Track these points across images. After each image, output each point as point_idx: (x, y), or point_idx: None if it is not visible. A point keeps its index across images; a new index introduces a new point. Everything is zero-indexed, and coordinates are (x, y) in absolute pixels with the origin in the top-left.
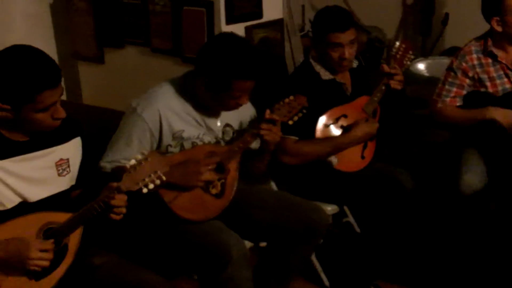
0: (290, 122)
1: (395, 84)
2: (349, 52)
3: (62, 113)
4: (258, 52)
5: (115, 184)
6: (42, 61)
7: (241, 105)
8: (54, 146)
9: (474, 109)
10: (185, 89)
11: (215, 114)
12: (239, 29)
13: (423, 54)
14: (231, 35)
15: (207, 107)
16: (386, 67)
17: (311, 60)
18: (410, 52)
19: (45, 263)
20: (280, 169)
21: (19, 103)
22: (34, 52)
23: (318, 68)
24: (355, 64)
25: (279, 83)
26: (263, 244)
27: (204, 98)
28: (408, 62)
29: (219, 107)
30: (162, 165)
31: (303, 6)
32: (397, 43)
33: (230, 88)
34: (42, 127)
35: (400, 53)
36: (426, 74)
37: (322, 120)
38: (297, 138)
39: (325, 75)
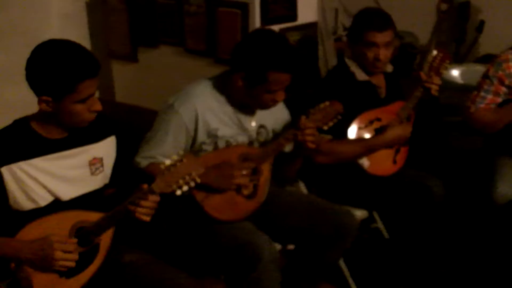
0: (325, 128)
1: (433, 92)
2: (384, 53)
3: (98, 106)
4: (293, 47)
5: (146, 186)
6: (81, 51)
7: (277, 101)
8: (88, 144)
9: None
10: (221, 88)
11: (250, 114)
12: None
13: (457, 60)
14: (267, 30)
15: (243, 105)
16: (423, 75)
17: (347, 60)
18: (447, 61)
19: (70, 264)
20: (311, 171)
21: (61, 93)
22: (72, 44)
23: (353, 68)
24: (390, 68)
25: (314, 86)
26: (290, 246)
27: (241, 95)
28: (444, 71)
29: (255, 104)
30: (197, 167)
31: (336, 10)
32: (435, 52)
33: (266, 80)
34: (79, 120)
35: (437, 61)
36: (460, 81)
37: (356, 122)
38: (330, 137)
39: (361, 76)
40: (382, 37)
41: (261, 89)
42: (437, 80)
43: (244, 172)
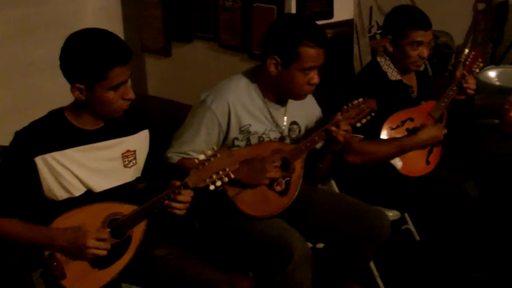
0: (358, 125)
1: (469, 91)
2: (427, 51)
3: (131, 94)
4: (319, 25)
5: (178, 183)
6: (112, 39)
7: (313, 84)
8: (122, 137)
9: None
10: (253, 82)
11: (282, 110)
12: None
13: (493, 62)
14: (292, 13)
15: (277, 99)
16: (458, 73)
17: (379, 59)
18: (480, 60)
19: (102, 252)
20: (343, 170)
21: (92, 80)
22: (104, 32)
23: (385, 67)
24: (422, 67)
25: (347, 83)
26: (320, 245)
27: (275, 84)
28: (477, 70)
29: (291, 90)
30: (232, 162)
31: (371, 8)
32: (466, 50)
33: (298, 56)
34: (112, 109)
35: (469, 60)
36: (496, 83)
37: (388, 122)
38: (362, 136)
39: (393, 75)
40: (427, 36)
41: (295, 69)
42: (471, 79)
43: (276, 163)
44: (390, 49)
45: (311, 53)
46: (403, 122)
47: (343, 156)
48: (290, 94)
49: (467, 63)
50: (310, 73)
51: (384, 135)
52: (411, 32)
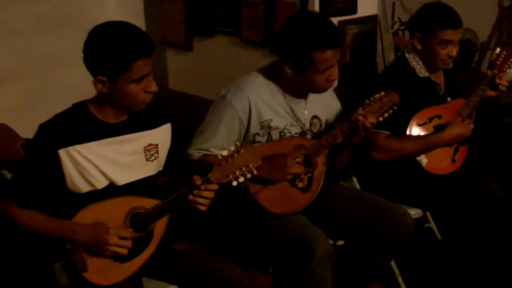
0: (380, 119)
1: (501, 87)
2: (456, 50)
3: (154, 87)
4: (330, 22)
5: (199, 179)
6: (135, 31)
7: (332, 80)
8: (145, 130)
9: None
10: (273, 77)
11: (303, 104)
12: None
13: None
14: (302, 12)
15: (297, 94)
16: (490, 72)
17: (407, 55)
18: (511, 60)
19: (123, 250)
20: (365, 167)
21: (115, 72)
22: (126, 24)
23: (414, 64)
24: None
25: (372, 80)
26: (340, 242)
27: (294, 83)
28: (508, 70)
29: (311, 89)
30: (255, 159)
31: (393, 4)
32: (498, 49)
33: (312, 61)
34: (135, 102)
35: (500, 59)
36: None
37: (415, 118)
38: (388, 133)
39: (421, 72)
40: (456, 35)
41: (311, 72)
42: (504, 76)
43: (298, 159)
44: (419, 47)
45: (326, 56)
46: (431, 119)
47: (368, 153)
48: (309, 91)
49: (498, 62)
50: (327, 72)
51: (411, 131)
52: (441, 31)
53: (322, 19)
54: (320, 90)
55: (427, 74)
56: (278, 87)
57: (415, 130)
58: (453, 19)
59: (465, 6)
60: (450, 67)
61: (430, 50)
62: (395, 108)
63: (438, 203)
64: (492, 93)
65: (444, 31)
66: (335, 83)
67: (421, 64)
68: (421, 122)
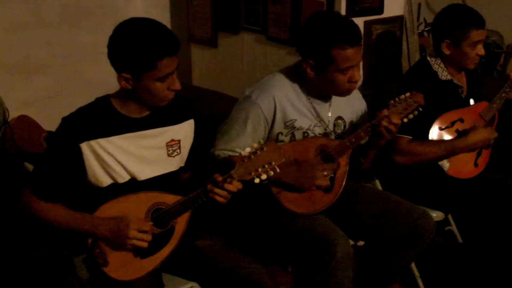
0: (405, 120)
1: None
2: (483, 49)
3: (178, 85)
4: (350, 20)
5: (220, 177)
6: (161, 29)
7: (355, 81)
8: (167, 126)
9: None
10: (297, 77)
11: (327, 105)
12: (358, 23)
13: None
14: (321, 12)
15: (321, 95)
16: (511, 74)
17: (429, 58)
18: None
19: (143, 244)
20: (388, 169)
21: (141, 70)
22: (153, 22)
23: (436, 67)
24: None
25: (397, 81)
26: (360, 243)
27: (317, 83)
28: None
29: (333, 89)
30: (278, 156)
31: (419, 5)
32: None
33: (332, 59)
34: (158, 99)
35: None
36: None
37: (438, 122)
38: (410, 137)
39: (443, 75)
40: (484, 34)
41: (332, 71)
42: None
43: (326, 173)
44: (447, 52)
45: (346, 54)
46: (453, 123)
47: (392, 157)
48: (333, 92)
49: None
50: (349, 72)
51: (433, 135)
52: (472, 34)
53: (343, 18)
54: (343, 92)
55: (449, 77)
56: (302, 88)
57: (437, 134)
58: (480, 19)
59: (491, 8)
60: (476, 66)
61: (461, 53)
62: (420, 109)
63: (461, 206)
64: None
65: (475, 33)
66: (360, 83)
67: (443, 67)
68: (443, 126)
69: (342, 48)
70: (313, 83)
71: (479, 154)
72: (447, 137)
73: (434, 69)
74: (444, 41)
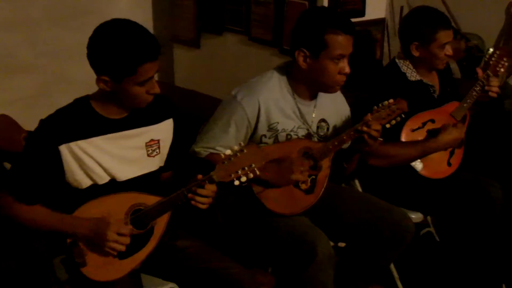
0: (388, 126)
1: (491, 93)
2: (451, 49)
3: (157, 89)
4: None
5: (200, 177)
6: (143, 33)
7: (344, 74)
8: (146, 126)
9: None
10: (284, 78)
11: (312, 106)
12: None
13: None
14: (317, 6)
15: (308, 93)
16: (480, 72)
17: (397, 61)
18: (505, 59)
19: (120, 247)
20: (367, 171)
21: (121, 74)
22: (134, 25)
23: (404, 68)
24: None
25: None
26: (341, 244)
27: (306, 78)
28: (502, 70)
29: (323, 82)
30: (258, 159)
31: (401, 8)
32: (491, 49)
33: (326, 45)
34: (137, 102)
35: (493, 60)
36: None
37: (409, 123)
38: (381, 139)
39: (412, 75)
40: (452, 34)
41: (325, 58)
42: (494, 81)
43: (302, 168)
44: (417, 54)
45: (339, 40)
46: (424, 124)
47: (365, 159)
48: (323, 86)
49: (491, 62)
50: (340, 62)
51: (404, 137)
52: (440, 35)
53: (336, 9)
54: (333, 84)
55: (418, 77)
56: (289, 88)
57: (408, 135)
58: (447, 20)
59: (473, 12)
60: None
61: (430, 54)
62: (403, 116)
63: (438, 206)
64: (485, 98)
65: (443, 34)
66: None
67: (412, 68)
68: (414, 127)
69: (336, 33)
70: (302, 80)
71: (452, 154)
72: (418, 138)
73: (403, 71)
74: (412, 43)
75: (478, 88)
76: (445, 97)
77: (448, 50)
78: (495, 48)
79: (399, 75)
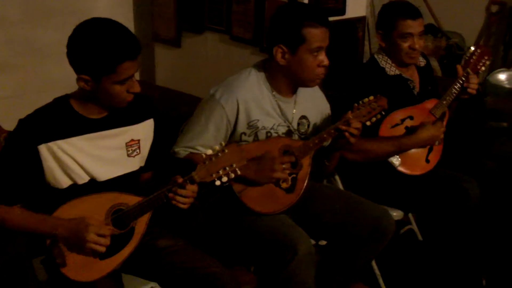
0: (368, 123)
1: (470, 90)
2: (418, 43)
3: (137, 88)
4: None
5: (181, 178)
6: (123, 32)
7: (323, 66)
8: (127, 126)
9: None
10: (263, 75)
11: (292, 103)
12: None
13: (505, 65)
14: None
15: (287, 90)
16: (460, 69)
17: (376, 56)
18: (486, 58)
19: (101, 248)
20: (348, 168)
21: (100, 73)
22: (114, 24)
23: (383, 63)
24: (422, 62)
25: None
26: (322, 242)
27: (286, 75)
28: (483, 68)
29: (303, 77)
30: (240, 159)
31: (383, 6)
32: (472, 48)
33: (303, 39)
34: (117, 101)
35: (474, 57)
36: (507, 86)
37: (387, 120)
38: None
39: (391, 70)
40: (416, 26)
41: (303, 52)
42: (473, 79)
43: (284, 166)
44: (383, 44)
45: (316, 33)
46: (403, 120)
47: (342, 154)
48: (303, 81)
49: (471, 60)
50: (318, 55)
51: (382, 133)
52: (399, 23)
53: (310, 3)
54: (313, 77)
55: (397, 72)
56: (268, 85)
57: (387, 131)
58: (409, 10)
59: (453, 10)
60: (419, 63)
61: (393, 44)
62: (383, 113)
63: (417, 204)
64: (464, 96)
65: (403, 23)
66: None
67: (390, 62)
68: (393, 124)
69: (312, 26)
70: (281, 76)
71: (430, 150)
72: (397, 134)
73: (382, 66)
74: (378, 32)
75: (457, 86)
76: (425, 95)
77: (413, 44)
78: (476, 47)
79: (378, 70)
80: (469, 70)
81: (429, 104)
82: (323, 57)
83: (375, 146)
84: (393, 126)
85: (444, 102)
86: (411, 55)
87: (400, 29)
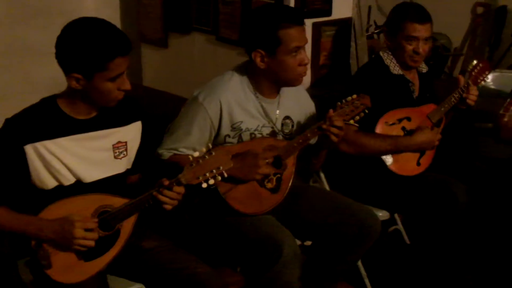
0: (352, 122)
1: (469, 101)
2: (423, 48)
3: (128, 85)
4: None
5: (167, 181)
6: (113, 29)
7: (304, 66)
8: (114, 127)
9: None
10: (246, 77)
11: (275, 104)
12: (307, 24)
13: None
14: (262, 4)
15: (271, 91)
16: (462, 80)
17: (382, 54)
18: (486, 73)
19: (90, 243)
20: (334, 168)
21: (92, 70)
22: (103, 22)
23: (388, 61)
24: (425, 69)
25: (345, 82)
26: (308, 242)
27: (268, 77)
28: (482, 83)
29: (285, 78)
30: (226, 161)
31: (369, 7)
32: (475, 61)
33: (280, 40)
34: (108, 99)
35: (476, 71)
36: (492, 87)
37: (385, 117)
38: (357, 126)
39: (395, 69)
40: (422, 30)
41: (282, 54)
42: (473, 90)
43: (268, 160)
44: (388, 42)
45: (292, 33)
46: (400, 120)
47: (336, 146)
48: (286, 81)
49: (473, 73)
50: (298, 54)
51: (378, 129)
52: (406, 25)
53: (282, 3)
54: (296, 77)
55: (401, 72)
56: (251, 86)
57: (383, 128)
58: (418, 14)
59: (439, 12)
60: (417, 65)
61: (398, 45)
62: (367, 111)
63: (403, 205)
64: (462, 106)
65: (409, 25)
66: (308, 84)
67: (395, 62)
68: (390, 122)
69: (287, 27)
70: (263, 78)
71: (422, 154)
72: (392, 132)
73: (386, 64)
74: (384, 30)
75: (457, 95)
76: (423, 100)
77: (418, 47)
78: (479, 61)
79: (382, 67)
80: (470, 81)
81: (427, 108)
82: (303, 56)
83: (371, 141)
84: (390, 124)
85: (442, 109)
86: (414, 58)
87: (406, 31)
